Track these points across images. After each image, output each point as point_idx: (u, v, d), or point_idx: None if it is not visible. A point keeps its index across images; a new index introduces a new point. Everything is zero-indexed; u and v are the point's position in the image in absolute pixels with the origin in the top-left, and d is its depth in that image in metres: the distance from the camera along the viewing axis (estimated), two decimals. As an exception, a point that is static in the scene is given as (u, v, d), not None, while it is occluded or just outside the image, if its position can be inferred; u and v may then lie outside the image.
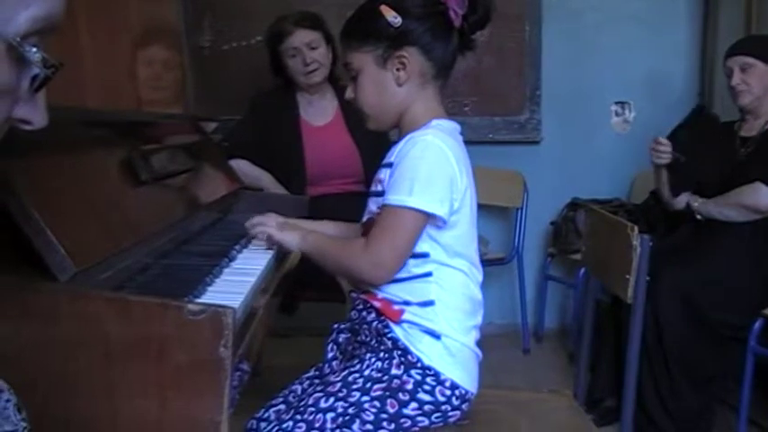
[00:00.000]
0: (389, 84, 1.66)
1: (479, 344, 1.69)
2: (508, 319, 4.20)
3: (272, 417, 1.68)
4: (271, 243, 1.84)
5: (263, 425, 1.65)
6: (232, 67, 3.92)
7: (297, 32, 3.13)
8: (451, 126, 1.68)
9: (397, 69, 1.64)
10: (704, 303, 2.81)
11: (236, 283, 1.58)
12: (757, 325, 2.79)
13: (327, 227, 1.94)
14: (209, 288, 1.53)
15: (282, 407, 1.70)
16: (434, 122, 1.64)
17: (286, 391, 1.76)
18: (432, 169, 1.56)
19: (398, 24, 1.62)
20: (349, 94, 1.72)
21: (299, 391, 1.74)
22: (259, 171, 3.14)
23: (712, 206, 3.04)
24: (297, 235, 1.78)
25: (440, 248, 1.61)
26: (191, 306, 1.19)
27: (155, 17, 2.31)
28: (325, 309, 2.70)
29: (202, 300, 1.42)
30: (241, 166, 3.01)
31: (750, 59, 3.02)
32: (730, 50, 3.11)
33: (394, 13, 1.62)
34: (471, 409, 1.69)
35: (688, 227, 3.17)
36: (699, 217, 3.09)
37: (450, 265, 1.63)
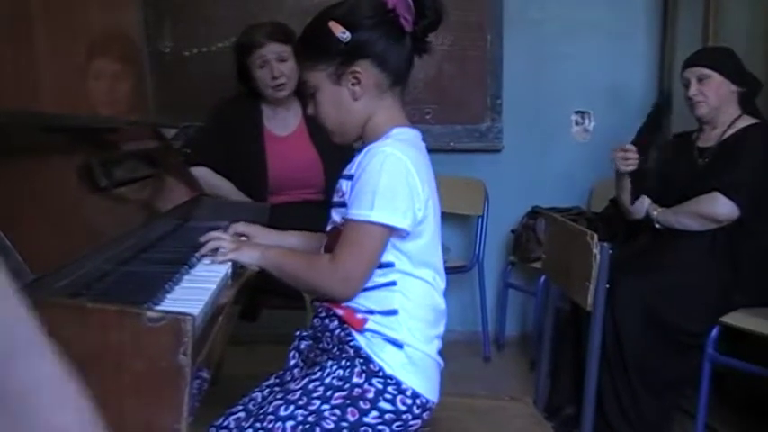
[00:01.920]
0: (346, 100, 1.64)
1: (440, 352, 1.69)
2: (469, 327, 4.20)
3: (232, 424, 1.66)
4: (224, 261, 1.77)
5: (222, 433, 1.64)
6: (193, 73, 3.91)
7: (269, 45, 3.11)
8: (412, 134, 1.67)
9: (352, 84, 1.63)
10: (663, 311, 2.84)
11: (196, 290, 1.56)
12: (714, 332, 2.83)
13: (291, 238, 1.93)
14: (169, 295, 1.51)
15: (242, 414, 1.68)
16: (395, 131, 1.63)
17: (246, 399, 1.74)
18: (392, 181, 1.54)
19: (347, 40, 1.60)
20: (310, 111, 1.71)
21: (259, 399, 1.72)
22: (220, 180, 3.11)
23: (671, 215, 3.07)
24: (256, 252, 1.74)
25: (405, 258, 1.61)
26: (150, 313, 1.18)
27: (114, 23, 2.29)
28: (286, 316, 2.69)
29: (161, 307, 1.41)
30: (202, 174, 2.99)
31: (707, 71, 3.05)
32: (687, 62, 3.14)
33: (342, 29, 1.60)
34: (432, 417, 1.68)
35: (647, 235, 3.20)
36: (658, 226, 3.12)
37: (414, 275, 1.62)
